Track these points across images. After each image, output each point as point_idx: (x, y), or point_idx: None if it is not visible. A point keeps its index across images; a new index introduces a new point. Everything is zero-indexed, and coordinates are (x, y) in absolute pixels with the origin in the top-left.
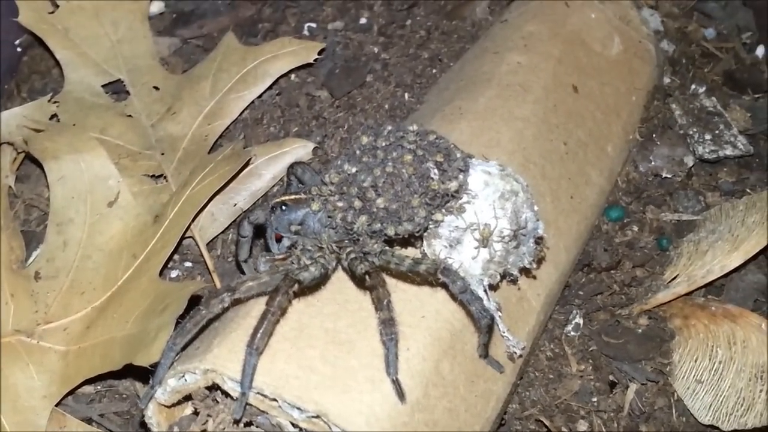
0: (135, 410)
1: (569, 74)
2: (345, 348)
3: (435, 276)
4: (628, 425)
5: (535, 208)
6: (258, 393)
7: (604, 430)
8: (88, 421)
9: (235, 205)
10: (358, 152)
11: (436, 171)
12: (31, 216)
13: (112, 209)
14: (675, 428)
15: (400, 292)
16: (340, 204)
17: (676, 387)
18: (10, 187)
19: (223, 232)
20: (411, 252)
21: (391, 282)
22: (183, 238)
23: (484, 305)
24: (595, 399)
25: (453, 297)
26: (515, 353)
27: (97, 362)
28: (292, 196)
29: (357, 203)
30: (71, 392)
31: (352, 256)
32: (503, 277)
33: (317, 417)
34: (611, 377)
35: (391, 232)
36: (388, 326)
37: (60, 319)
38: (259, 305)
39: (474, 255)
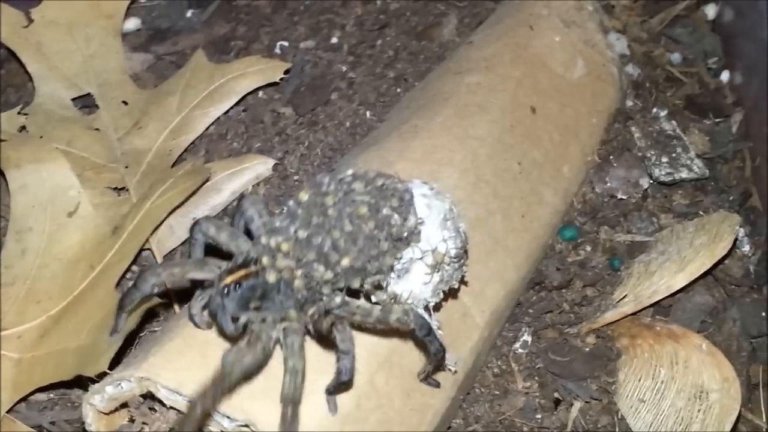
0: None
1: (528, 96)
2: (277, 361)
3: (407, 329)
4: None
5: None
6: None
7: None
8: (39, 428)
9: (194, 218)
10: (301, 212)
11: (395, 216)
12: None
13: (72, 219)
14: None
15: None
16: (299, 272)
17: (619, 405)
18: None
19: (181, 244)
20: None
21: None
22: (141, 249)
23: (441, 342)
24: (539, 416)
25: (414, 338)
26: (450, 369)
27: (49, 371)
28: (242, 272)
29: (319, 268)
30: (23, 399)
31: (315, 317)
32: (446, 294)
33: (246, 426)
34: (556, 395)
35: (356, 285)
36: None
37: (15, 326)
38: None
39: (426, 281)
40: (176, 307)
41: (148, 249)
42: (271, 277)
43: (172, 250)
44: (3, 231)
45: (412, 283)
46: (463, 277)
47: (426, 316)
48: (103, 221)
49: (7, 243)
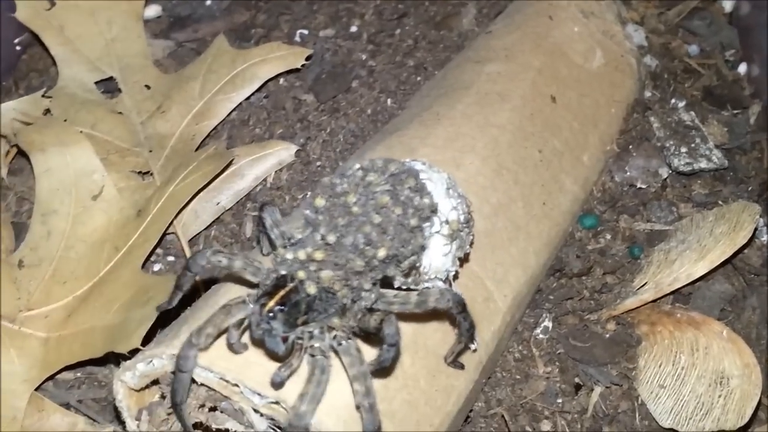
0: (112, 397)
1: (548, 85)
2: None
3: (446, 308)
4: (591, 427)
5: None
6: (221, 379)
7: (567, 430)
8: (66, 406)
9: (218, 203)
10: (323, 217)
11: (416, 197)
12: (22, 208)
13: (96, 202)
14: (637, 431)
15: None
16: (339, 274)
17: (640, 391)
18: (2, 179)
19: (205, 229)
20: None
21: None
22: (166, 233)
23: (472, 321)
24: (560, 400)
25: (450, 316)
26: (471, 348)
27: (77, 349)
28: (281, 292)
29: (358, 265)
30: (51, 378)
31: (360, 316)
32: (461, 259)
33: (276, 403)
34: (577, 380)
35: (393, 273)
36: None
37: (42, 306)
38: (229, 294)
39: (445, 252)
40: (201, 289)
41: (173, 233)
42: (312, 289)
43: (196, 234)
44: (28, 214)
45: (432, 257)
46: (472, 239)
47: (458, 291)
48: (127, 204)
49: (32, 225)
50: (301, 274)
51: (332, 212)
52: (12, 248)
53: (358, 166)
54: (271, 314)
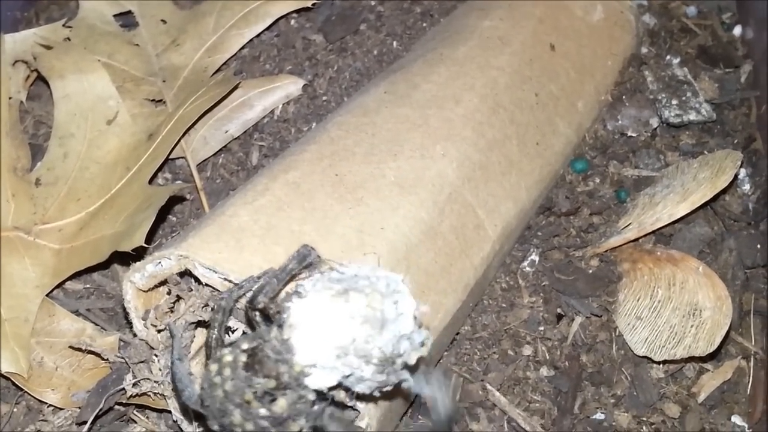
0: (120, 308)
1: (548, 33)
2: None
3: None
4: (570, 353)
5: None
6: (225, 279)
7: (547, 356)
8: (76, 313)
9: (227, 131)
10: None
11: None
12: (39, 131)
13: (111, 127)
14: (613, 359)
15: (363, 206)
16: None
17: (618, 323)
18: (21, 102)
19: (213, 155)
20: None
21: (354, 196)
22: (176, 158)
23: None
24: (542, 328)
25: None
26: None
27: (87, 257)
28: None
29: None
30: (61, 287)
31: None
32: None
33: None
34: (559, 310)
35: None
36: None
37: (56, 221)
38: (234, 207)
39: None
40: (206, 207)
41: (183, 158)
42: None
43: (205, 160)
44: (44, 137)
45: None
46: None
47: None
48: (139, 129)
49: (50, 147)
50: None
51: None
52: (29, 167)
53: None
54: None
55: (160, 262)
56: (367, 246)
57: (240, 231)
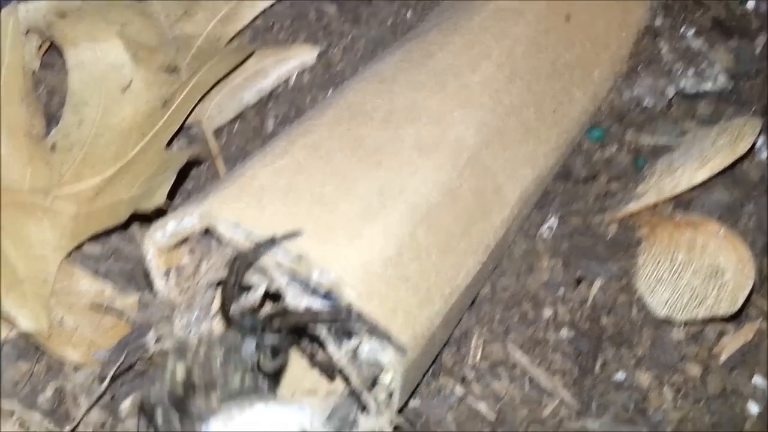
0: (139, 270)
1: (563, 5)
2: (328, 208)
3: None
4: (590, 315)
5: None
6: (246, 238)
7: (567, 318)
8: (95, 274)
9: (242, 99)
10: None
11: None
12: (52, 100)
13: (125, 94)
14: (633, 321)
15: (382, 169)
16: None
17: (638, 286)
18: (34, 71)
19: (228, 123)
20: None
21: (373, 160)
22: (191, 126)
23: None
24: (561, 290)
25: None
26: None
27: (105, 219)
28: None
29: None
30: (79, 249)
31: None
32: None
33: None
34: (578, 273)
35: None
36: None
37: (72, 185)
38: (253, 168)
39: None
40: (222, 174)
41: (198, 126)
42: None
43: (220, 127)
44: (57, 105)
45: None
46: None
47: None
48: (153, 97)
49: (65, 114)
50: None
51: None
52: (43, 134)
53: None
54: None
55: (182, 220)
56: (388, 208)
57: (261, 191)
